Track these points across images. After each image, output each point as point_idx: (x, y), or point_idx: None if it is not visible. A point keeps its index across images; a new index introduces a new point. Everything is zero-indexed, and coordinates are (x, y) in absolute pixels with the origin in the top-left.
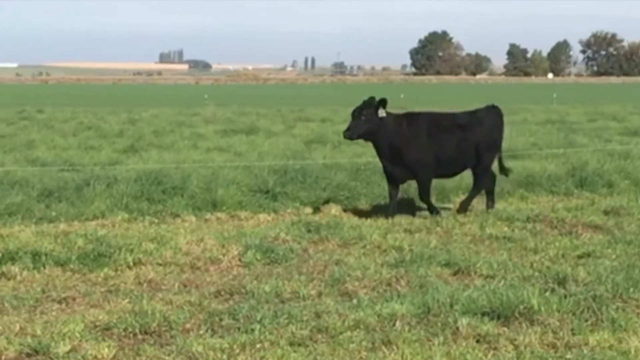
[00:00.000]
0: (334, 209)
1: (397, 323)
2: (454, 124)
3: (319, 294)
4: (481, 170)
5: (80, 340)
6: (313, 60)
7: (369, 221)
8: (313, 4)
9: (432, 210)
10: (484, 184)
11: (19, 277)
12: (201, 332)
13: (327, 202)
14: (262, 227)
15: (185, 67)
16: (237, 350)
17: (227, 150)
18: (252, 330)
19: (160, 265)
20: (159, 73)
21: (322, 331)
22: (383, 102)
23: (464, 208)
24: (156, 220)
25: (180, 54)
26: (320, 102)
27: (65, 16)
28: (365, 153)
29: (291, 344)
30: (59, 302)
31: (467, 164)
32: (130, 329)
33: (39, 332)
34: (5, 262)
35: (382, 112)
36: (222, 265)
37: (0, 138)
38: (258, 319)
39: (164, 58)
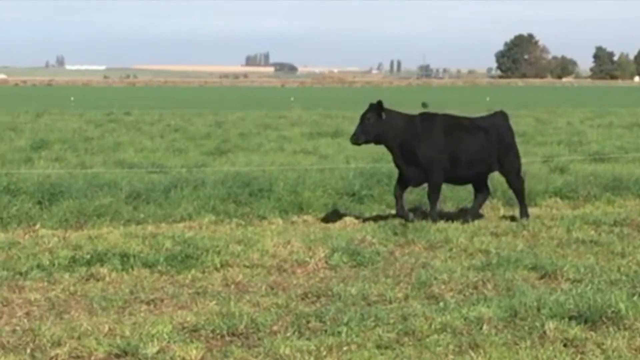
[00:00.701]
0: (419, 212)
1: (484, 326)
2: (472, 127)
3: (406, 297)
4: (511, 177)
5: (169, 342)
6: (399, 63)
7: (455, 224)
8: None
9: (434, 214)
10: (520, 188)
11: (107, 279)
12: (288, 334)
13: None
14: (349, 229)
15: (271, 69)
16: (324, 353)
17: (313, 153)
18: (339, 332)
19: (247, 267)
20: (245, 76)
21: (409, 334)
22: (379, 104)
23: (525, 214)
24: (243, 223)
25: (267, 56)
26: (405, 105)
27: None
28: None
29: (378, 347)
30: (147, 304)
31: (484, 170)
32: (217, 331)
33: (127, 333)
34: (94, 264)
35: (383, 115)
36: (309, 267)
37: (89, 140)
38: (345, 321)
39: (250, 61)
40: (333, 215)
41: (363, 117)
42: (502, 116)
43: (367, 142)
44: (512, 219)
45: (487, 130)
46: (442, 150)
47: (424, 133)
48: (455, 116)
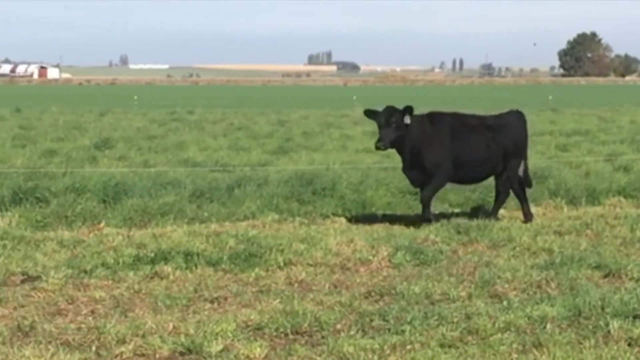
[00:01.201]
0: (484, 211)
1: (548, 325)
2: (480, 126)
3: (469, 296)
4: (508, 177)
5: (233, 340)
6: (461, 62)
7: (518, 223)
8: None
9: (426, 215)
10: (509, 191)
11: (171, 277)
12: (352, 332)
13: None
14: (412, 228)
15: (333, 68)
16: (388, 351)
17: (375, 151)
18: (403, 331)
19: (311, 265)
20: (308, 75)
21: (473, 333)
22: (410, 110)
23: (529, 215)
24: (306, 221)
25: (329, 55)
26: (468, 104)
27: (215, 18)
28: None
29: (441, 346)
30: (211, 302)
31: (492, 170)
32: (281, 329)
33: (191, 331)
34: (158, 262)
35: (407, 119)
36: (372, 266)
37: (152, 139)
38: (408, 320)
39: (312, 60)
40: (396, 214)
41: (387, 121)
42: (516, 115)
43: (392, 146)
44: (576, 217)
45: (496, 130)
46: (448, 152)
47: (432, 135)
48: (464, 115)
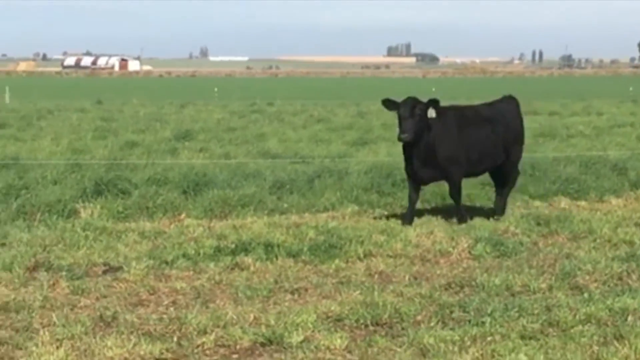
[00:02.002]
0: (564, 202)
1: (629, 317)
2: (481, 117)
3: (550, 288)
4: (510, 166)
5: (313, 331)
6: (541, 53)
7: (598, 214)
8: None
9: (461, 213)
10: (514, 181)
11: (252, 268)
12: (432, 324)
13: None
14: (491, 220)
15: (412, 60)
16: (468, 343)
17: None
18: (483, 323)
19: (391, 257)
20: (387, 66)
21: (553, 325)
22: (436, 102)
23: (501, 210)
24: (386, 213)
25: (408, 47)
26: (548, 95)
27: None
28: (596, 146)
29: (522, 337)
30: (292, 293)
31: (496, 160)
32: (361, 321)
33: (272, 322)
34: (239, 253)
35: (432, 112)
36: (452, 257)
37: (233, 130)
38: (489, 311)
39: (391, 51)
40: (476, 206)
41: (411, 111)
42: (510, 102)
43: (415, 139)
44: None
45: (492, 120)
46: (460, 146)
47: (441, 129)
48: (461, 107)
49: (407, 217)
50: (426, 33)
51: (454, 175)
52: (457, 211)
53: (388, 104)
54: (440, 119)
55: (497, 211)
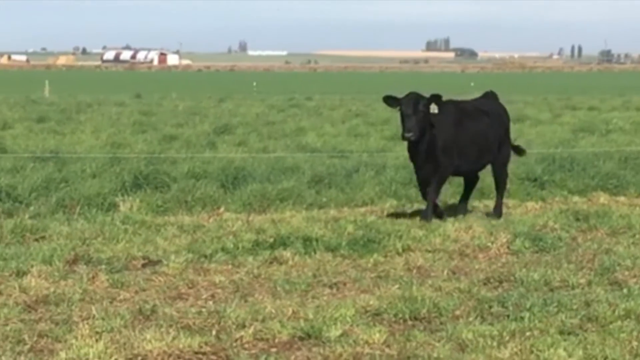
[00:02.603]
0: (603, 198)
1: None
2: (476, 112)
3: (589, 283)
4: (502, 166)
5: (352, 325)
6: (580, 49)
7: (637, 210)
8: None
9: (429, 213)
10: (505, 179)
11: (290, 262)
12: (470, 319)
13: (595, 190)
14: (530, 215)
15: (451, 55)
16: (507, 338)
17: None
18: (522, 318)
19: (429, 252)
20: (426, 61)
21: (592, 320)
22: (437, 98)
23: (499, 212)
24: (424, 207)
25: (447, 42)
26: (587, 90)
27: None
28: (635, 141)
29: (561, 333)
30: (330, 287)
31: (488, 159)
32: (400, 315)
33: (311, 316)
34: (277, 247)
35: (435, 108)
36: (491, 252)
37: (271, 125)
38: (527, 306)
39: (430, 46)
40: (514, 201)
41: (414, 109)
42: (494, 96)
43: (421, 137)
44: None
45: (490, 114)
46: (454, 141)
47: (438, 123)
48: (458, 101)
49: (427, 214)
50: (465, 28)
51: (446, 169)
52: (427, 208)
53: (389, 100)
54: (440, 112)
55: (495, 211)
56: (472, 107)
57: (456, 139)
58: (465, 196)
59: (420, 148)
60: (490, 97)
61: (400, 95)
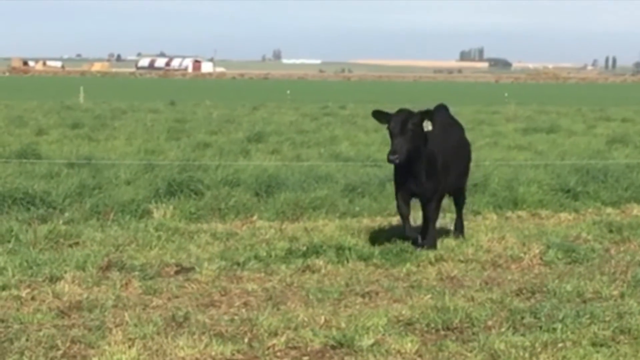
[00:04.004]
0: (636, 209)
1: None
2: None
3: (622, 295)
4: (463, 184)
5: (384, 334)
6: (614, 60)
7: None
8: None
9: (432, 237)
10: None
11: (323, 271)
12: (503, 329)
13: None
14: (563, 226)
15: (485, 65)
16: (539, 349)
17: (527, 148)
18: (554, 329)
19: (462, 262)
20: (459, 71)
21: (625, 332)
22: (431, 114)
23: (460, 230)
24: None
25: (481, 52)
26: (621, 101)
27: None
28: None
29: (593, 345)
30: (363, 296)
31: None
32: (432, 325)
33: (343, 325)
34: (310, 256)
35: (428, 126)
36: (523, 263)
37: (305, 133)
38: (560, 318)
39: (464, 56)
40: (547, 212)
41: (402, 127)
42: (446, 109)
43: (408, 159)
44: None
45: (461, 129)
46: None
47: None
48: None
49: (407, 232)
50: (499, 38)
51: (444, 188)
52: (429, 231)
53: (379, 115)
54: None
55: (458, 229)
56: (447, 120)
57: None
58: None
59: (414, 166)
60: (440, 110)
61: (417, 107)
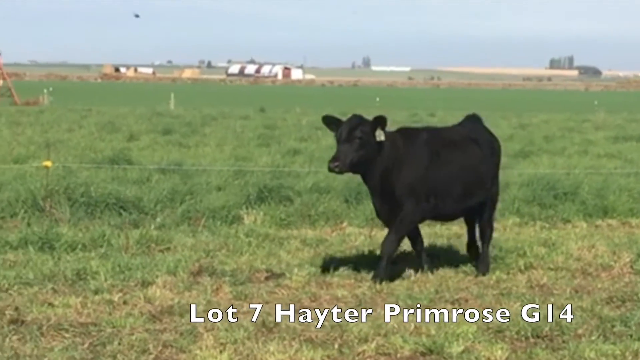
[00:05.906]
0: None
1: None
2: (464, 140)
3: None
4: (490, 209)
5: (474, 342)
6: None
7: None
8: None
9: (381, 271)
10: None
11: (412, 277)
12: (593, 337)
13: None
14: None
15: (575, 73)
16: (630, 358)
17: (617, 156)
18: None
19: (552, 270)
20: (549, 79)
21: None
22: (382, 121)
23: (486, 266)
24: (547, 225)
25: (571, 60)
26: None
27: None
28: None
29: None
30: (452, 303)
31: (473, 200)
32: (522, 332)
33: (433, 332)
34: (399, 262)
35: (380, 135)
36: (614, 271)
37: None
38: None
39: (554, 64)
40: (638, 220)
41: (350, 134)
42: (479, 120)
43: (353, 169)
44: None
45: (479, 143)
46: (423, 177)
47: (406, 156)
48: (442, 129)
49: (379, 272)
50: (589, 46)
51: (411, 213)
52: (380, 263)
53: (329, 120)
54: (408, 142)
55: (482, 269)
56: (456, 135)
57: (429, 176)
58: (471, 241)
59: (370, 183)
60: (472, 120)
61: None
